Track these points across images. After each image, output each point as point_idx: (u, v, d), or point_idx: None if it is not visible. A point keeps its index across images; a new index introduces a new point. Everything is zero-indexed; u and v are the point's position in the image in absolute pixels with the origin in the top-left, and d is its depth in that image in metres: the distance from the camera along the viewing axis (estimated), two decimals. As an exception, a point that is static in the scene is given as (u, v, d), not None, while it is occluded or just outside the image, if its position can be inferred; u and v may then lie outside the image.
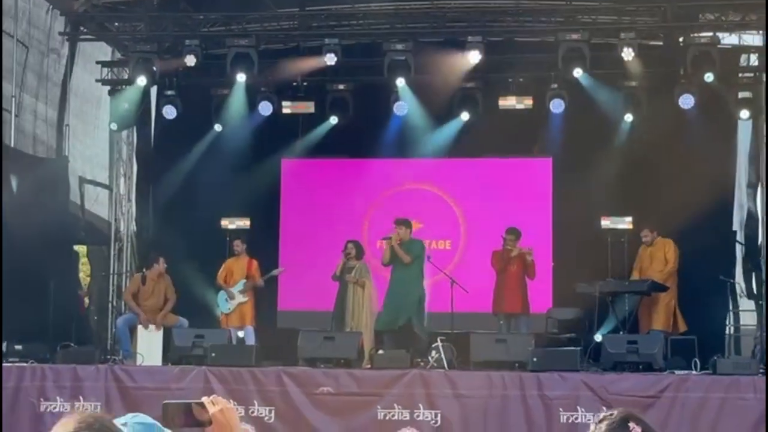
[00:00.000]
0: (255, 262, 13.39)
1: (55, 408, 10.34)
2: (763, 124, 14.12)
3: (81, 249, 15.81)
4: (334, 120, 14.32)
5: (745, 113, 13.71)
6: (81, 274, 15.97)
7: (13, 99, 13.19)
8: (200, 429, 3.07)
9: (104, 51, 15.08)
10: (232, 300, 13.13)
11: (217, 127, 14.42)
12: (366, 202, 14.97)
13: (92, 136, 15.37)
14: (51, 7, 13.90)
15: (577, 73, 12.89)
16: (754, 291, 14.17)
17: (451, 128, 14.25)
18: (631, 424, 2.83)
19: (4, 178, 12.33)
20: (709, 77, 12.74)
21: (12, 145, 13.14)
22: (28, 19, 13.59)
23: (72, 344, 11.50)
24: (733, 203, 14.55)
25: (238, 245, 13.33)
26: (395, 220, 12.67)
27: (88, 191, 14.99)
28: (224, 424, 3.11)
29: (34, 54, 13.74)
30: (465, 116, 13.97)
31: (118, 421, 2.96)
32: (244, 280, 13.22)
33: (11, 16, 13.10)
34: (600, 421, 2.92)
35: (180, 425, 3.07)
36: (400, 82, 13.33)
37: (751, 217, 14.59)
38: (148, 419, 3.00)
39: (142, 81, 13.36)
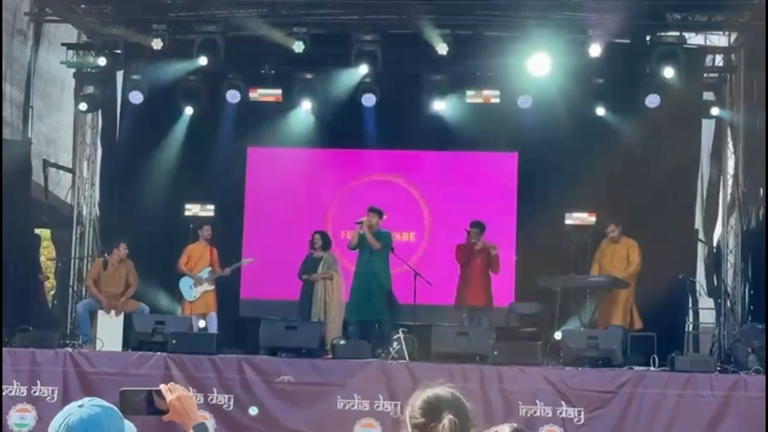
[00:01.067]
0: (215, 251, 13.35)
1: (11, 392, 10.24)
2: (726, 123, 14.27)
3: (44, 232, 15.66)
4: (302, 111, 14.27)
5: (715, 110, 13.83)
6: (42, 258, 15.82)
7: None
8: (157, 416, 3.06)
9: (70, 33, 14.92)
10: (199, 286, 13.08)
11: (185, 115, 14.33)
12: (332, 192, 14.96)
13: (56, 119, 15.22)
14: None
15: (543, 71, 12.93)
16: (714, 289, 14.32)
17: (417, 121, 14.24)
18: None
19: None
20: (668, 74, 12.81)
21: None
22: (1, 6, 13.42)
23: (31, 328, 11.39)
24: (696, 201, 14.69)
25: (207, 231, 13.26)
26: (369, 207, 12.66)
27: (51, 174, 14.84)
28: (181, 411, 3.10)
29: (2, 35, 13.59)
30: (432, 108, 13.97)
31: (75, 404, 2.95)
32: (209, 268, 13.17)
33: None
34: None
35: (137, 412, 3.06)
36: (368, 72, 13.30)
37: (711, 215, 14.74)
38: (105, 403, 2.99)
39: (102, 61, 13.24)
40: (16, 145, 13.90)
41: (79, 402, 2.98)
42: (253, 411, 10.04)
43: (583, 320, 12.10)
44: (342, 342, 11.26)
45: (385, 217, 12.79)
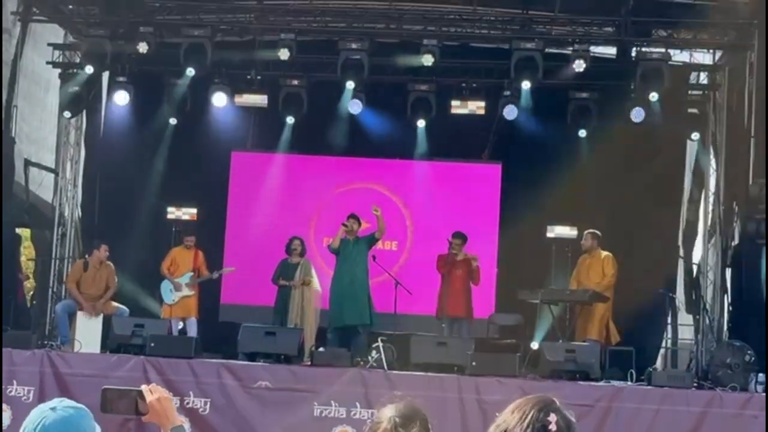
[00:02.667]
0: (201, 254, 13.32)
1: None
2: (709, 141, 14.35)
3: (24, 232, 15.59)
4: (289, 120, 14.27)
5: (695, 135, 13.89)
6: (22, 258, 15.75)
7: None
8: (137, 416, 3.07)
9: (56, 33, 14.88)
10: (178, 291, 13.05)
11: (172, 121, 14.31)
12: (315, 199, 14.96)
13: (39, 119, 15.16)
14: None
15: (526, 85, 12.97)
16: (693, 305, 14.39)
17: (402, 130, 14.27)
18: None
19: None
20: (654, 97, 12.89)
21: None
22: (2, 6, 13.38)
23: (9, 328, 11.33)
24: (679, 218, 14.77)
25: (191, 241, 13.24)
26: (350, 214, 12.69)
27: (33, 174, 14.78)
28: (161, 413, 3.11)
29: (-14, 33, 13.56)
30: (417, 118, 13.99)
31: (46, 405, 2.96)
32: (191, 273, 13.14)
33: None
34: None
35: (118, 411, 3.07)
36: (354, 81, 13.33)
37: (691, 232, 14.83)
38: (76, 404, 3.00)
39: (89, 69, 13.21)
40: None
41: (51, 404, 2.99)
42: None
43: (561, 333, 12.13)
44: (321, 349, 11.26)
45: (367, 225, 12.81)
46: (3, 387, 10.20)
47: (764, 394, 10.01)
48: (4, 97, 13.90)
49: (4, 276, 12.92)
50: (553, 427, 2.65)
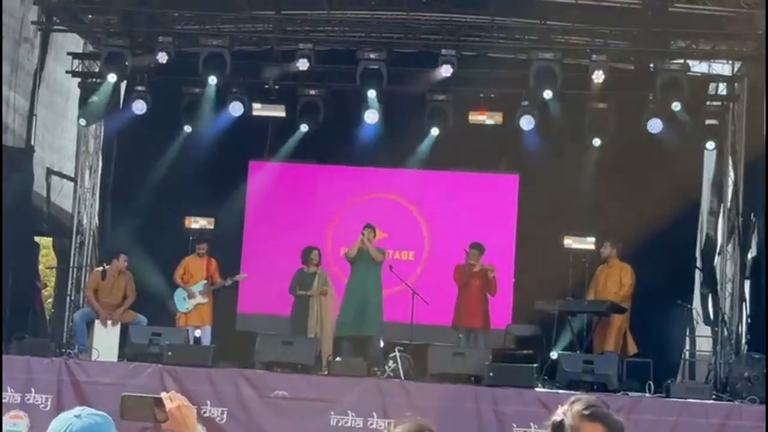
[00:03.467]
0: (214, 261, 13.35)
1: (5, 399, 10.24)
2: (728, 152, 14.29)
3: (43, 240, 15.66)
4: (304, 128, 14.29)
5: (710, 144, 13.83)
6: (41, 266, 15.81)
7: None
8: (155, 423, 3.07)
9: (76, 42, 14.98)
10: (191, 299, 13.08)
11: (187, 128, 14.35)
12: (331, 208, 14.97)
13: (61, 127, 15.27)
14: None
15: (548, 94, 12.95)
16: (711, 317, 14.32)
17: (419, 140, 14.27)
18: None
19: None
20: (676, 107, 12.86)
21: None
22: (2, 6, 13.46)
23: (27, 336, 11.38)
24: (697, 229, 14.69)
25: (203, 248, 13.28)
26: (366, 225, 12.71)
27: (54, 183, 14.87)
28: (180, 421, 3.11)
29: (8, 42, 13.64)
30: (434, 128, 13.99)
31: (70, 413, 2.96)
32: (204, 281, 13.17)
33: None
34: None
35: (137, 418, 3.07)
36: (372, 91, 13.34)
37: (710, 244, 14.75)
38: (99, 412, 3.01)
39: (112, 78, 13.27)
40: (19, 153, 13.93)
41: (75, 411, 2.99)
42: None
43: (579, 343, 12.09)
44: (338, 359, 11.25)
45: (384, 235, 12.82)
46: (22, 395, 10.24)
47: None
48: (26, 106, 14.00)
49: (23, 284, 12.99)
50: None
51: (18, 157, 13.84)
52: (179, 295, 13.19)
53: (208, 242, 13.40)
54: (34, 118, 14.22)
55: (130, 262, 12.97)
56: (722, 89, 14.63)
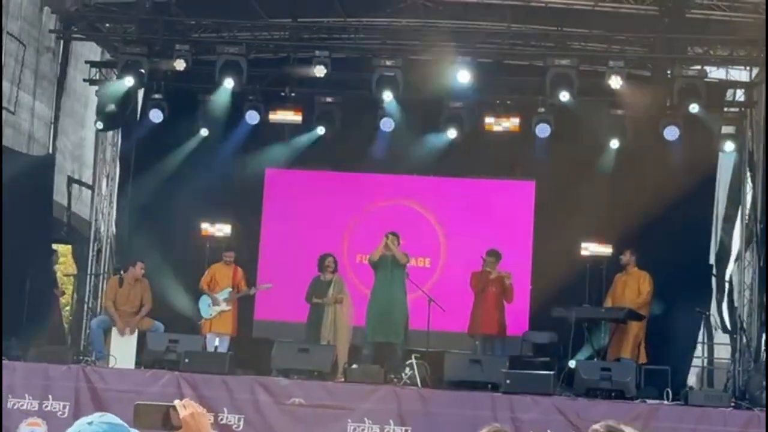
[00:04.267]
0: (240, 270, 13.38)
1: (23, 405, 10.27)
2: (746, 158, 14.22)
3: (63, 248, 15.73)
4: (321, 130, 14.32)
5: (729, 146, 13.77)
6: (59, 273, 15.87)
7: (13, 96, 13.23)
8: (169, 431, 3.07)
9: (94, 51, 15.07)
10: (216, 306, 13.08)
11: (203, 132, 14.39)
12: (348, 215, 14.97)
13: (80, 136, 15.36)
14: (43, 5, 13.89)
15: (564, 97, 12.91)
16: (728, 325, 14.24)
17: (436, 147, 14.26)
18: None
19: None
20: (694, 108, 12.81)
21: (9, 143, 13.16)
22: (24, 16, 13.58)
23: (45, 343, 11.42)
24: (711, 237, 14.63)
25: (229, 257, 13.30)
26: (390, 232, 12.71)
27: (74, 190, 14.96)
28: (194, 428, 3.10)
29: (30, 52, 13.76)
30: (450, 135, 13.98)
31: (84, 420, 2.95)
32: (230, 289, 13.18)
33: (11, 14, 13.14)
34: None
35: (151, 427, 3.06)
36: (388, 97, 13.35)
37: (723, 251, 14.68)
38: (116, 419, 2.99)
39: (129, 81, 13.32)
40: (41, 161, 14.03)
41: (89, 418, 2.98)
42: None
43: (596, 351, 12.04)
44: (354, 366, 11.24)
45: (401, 242, 12.82)
46: (39, 402, 10.28)
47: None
48: (50, 115, 14.13)
49: (42, 292, 13.04)
50: None
51: (40, 165, 13.93)
52: (204, 301, 13.20)
53: (234, 251, 13.41)
54: (57, 126, 14.35)
55: (146, 269, 13.00)
56: (740, 95, 14.57)
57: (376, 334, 12.40)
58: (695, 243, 14.30)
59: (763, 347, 13.09)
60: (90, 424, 2.94)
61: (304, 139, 14.58)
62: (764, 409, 10.14)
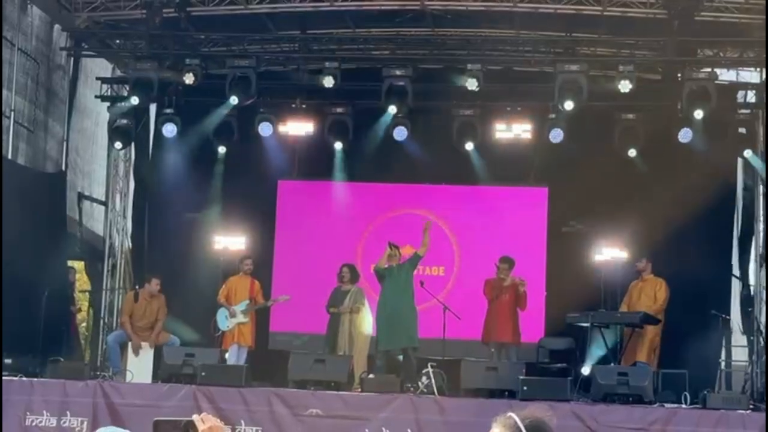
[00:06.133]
0: (258, 283, 13.38)
1: (41, 422, 10.30)
2: (763, 161, 14.17)
3: (78, 264, 15.78)
4: (335, 144, 14.32)
5: (748, 152, 13.71)
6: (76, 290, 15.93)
7: (31, 114, 13.36)
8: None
9: (104, 67, 15.14)
10: (232, 318, 13.09)
11: (219, 143, 14.42)
12: (361, 225, 14.99)
13: (91, 152, 15.43)
14: (54, 22, 13.97)
15: (568, 105, 12.87)
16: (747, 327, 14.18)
17: (447, 155, 14.26)
18: None
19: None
20: (698, 114, 12.76)
21: (29, 162, 13.24)
22: (36, 34, 13.68)
23: (61, 359, 11.46)
24: (732, 239, 14.57)
25: (248, 264, 13.31)
26: (389, 243, 12.69)
27: (86, 207, 15.02)
28: (213, 442, 3.11)
29: (43, 69, 13.87)
30: (462, 143, 13.98)
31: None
32: (248, 301, 13.19)
33: (24, 33, 13.25)
34: None
35: (169, 442, 3.08)
36: (398, 107, 13.35)
37: (746, 251, 14.61)
38: (120, 430, 3.02)
39: (135, 100, 13.34)
40: (54, 178, 14.10)
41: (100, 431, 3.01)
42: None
43: (612, 357, 12.00)
44: (371, 376, 11.24)
45: (413, 250, 12.82)
46: (57, 418, 10.30)
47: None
48: (62, 133, 14.21)
49: (58, 308, 13.08)
50: None
51: (53, 182, 14.00)
52: (221, 313, 13.20)
53: (252, 260, 13.41)
54: (68, 143, 14.43)
55: (162, 282, 13.02)
56: (751, 97, 14.53)
57: (387, 344, 12.38)
58: (716, 244, 14.23)
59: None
60: None
61: (316, 150, 14.60)
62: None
